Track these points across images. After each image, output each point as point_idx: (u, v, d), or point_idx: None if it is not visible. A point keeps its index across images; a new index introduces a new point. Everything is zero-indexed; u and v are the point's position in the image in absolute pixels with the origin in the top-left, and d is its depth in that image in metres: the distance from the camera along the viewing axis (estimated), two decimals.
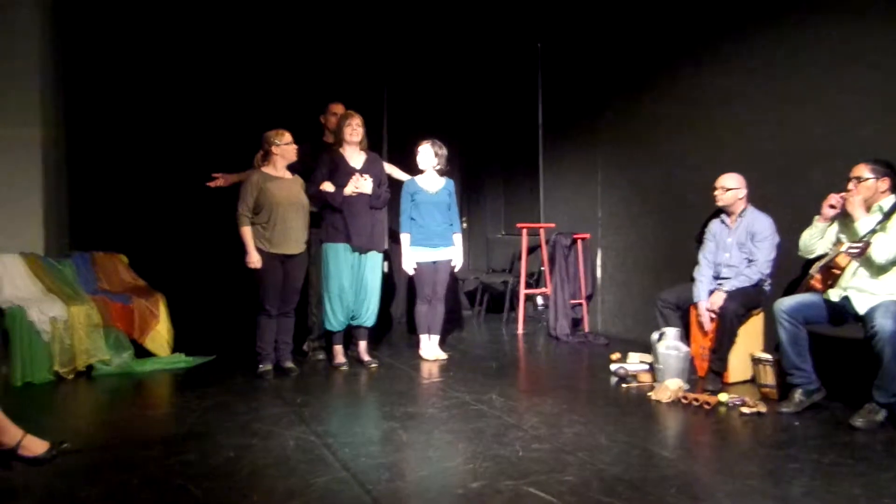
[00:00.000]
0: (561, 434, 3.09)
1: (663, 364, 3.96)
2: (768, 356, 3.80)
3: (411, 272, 4.84)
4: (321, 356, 4.87)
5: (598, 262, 6.09)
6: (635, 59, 5.63)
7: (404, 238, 4.83)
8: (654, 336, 4.07)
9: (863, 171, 3.42)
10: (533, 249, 6.55)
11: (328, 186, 4.47)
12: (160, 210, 6.17)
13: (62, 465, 2.54)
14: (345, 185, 4.49)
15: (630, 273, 5.74)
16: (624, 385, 4.08)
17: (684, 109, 5.12)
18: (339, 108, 4.94)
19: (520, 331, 6.11)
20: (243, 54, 6.41)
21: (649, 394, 3.80)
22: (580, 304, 6.06)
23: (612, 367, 4.36)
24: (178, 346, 4.95)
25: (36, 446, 2.36)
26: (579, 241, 6.07)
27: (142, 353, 4.75)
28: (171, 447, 2.94)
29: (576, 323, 6.02)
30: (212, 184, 4.69)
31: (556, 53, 6.61)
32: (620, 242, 5.84)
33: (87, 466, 2.70)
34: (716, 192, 4.22)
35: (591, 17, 6.12)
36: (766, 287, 4.13)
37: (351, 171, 4.54)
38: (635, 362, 4.41)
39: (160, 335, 4.87)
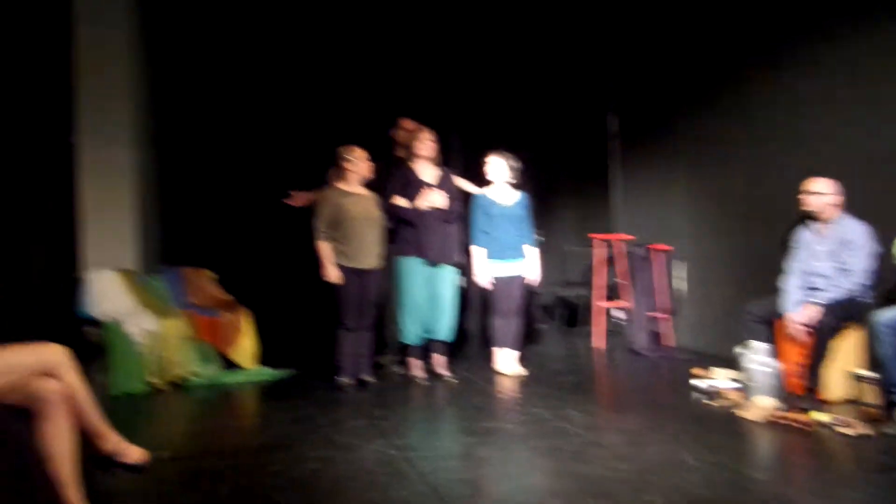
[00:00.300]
0: (644, 453, 3.00)
1: (752, 380, 3.77)
2: (870, 373, 3.57)
3: (486, 286, 4.83)
4: (398, 370, 4.91)
5: (679, 273, 5.90)
6: (715, 61, 5.45)
7: (478, 252, 4.83)
8: (741, 351, 3.89)
9: None
10: (610, 261, 6.41)
11: (400, 201, 4.53)
12: (245, 228, 6.42)
13: (158, 472, 2.65)
14: (417, 199, 4.53)
15: (713, 285, 5.52)
16: (710, 403, 3.91)
17: (771, 113, 4.90)
18: (409, 124, 5.00)
19: (598, 345, 5.98)
20: (319, 74, 6.60)
21: (737, 412, 3.63)
22: (661, 318, 5.88)
23: (696, 383, 4.20)
24: (261, 359, 5.10)
25: (134, 453, 2.47)
26: (660, 253, 5.90)
27: (228, 365, 4.92)
28: (257, 457, 3.03)
29: (656, 337, 5.84)
30: (287, 200, 4.83)
31: (629, 59, 6.49)
32: (703, 253, 5.64)
33: (180, 474, 2.81)
34: (802, 196, 4.02)
35: (666, 19, 5.98)
36: (865, 299, 3.88)
37: (423, 186, 4.58)
38: (721, 378, 4.23)
39: (245, 348, 5.04)
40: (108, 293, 4.82)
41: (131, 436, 2.51)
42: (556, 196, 7.74)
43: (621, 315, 6.40)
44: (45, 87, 5.03)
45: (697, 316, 5.71)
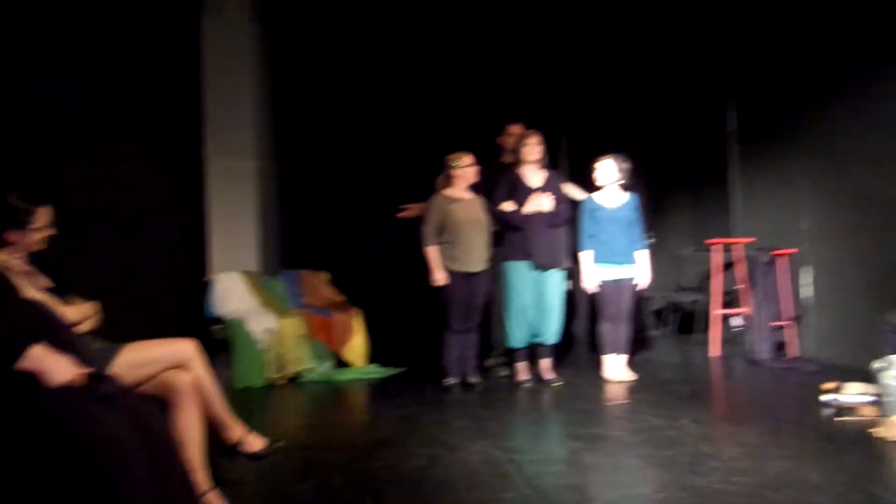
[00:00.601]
0: (765, 468, 2.82)
1: (891, 396, 3.46)
2: None
3: (593, 290, 4.73)
4: (504, 372, 4.91)
5: (806, 279, 5.51)
6: (847, 51, 5.05)
7: (586, 256, 4.74)
8: (878, 364, 3.58)
9: None
10: (728, 266, 6.09)
11: (508, 206, 4.54)
12: (357, 232, 6.69)
13: (276, 461, 2.79)
14: (524, 203, 4.52)
15: (845, 292, 5.11)
16: (840, 418, 3.62)
17: None
18: (516, 129, 4.99)
19: (714, 353, 5.69)
20: (428, 85, 6.75)
21: (873, 430, 3.34)
22: (785, 327, 5.51)
23: (825, 397, 3.89)
24: (371, 357, 5.27)
25: (256, 443, 2.63)
26: (782, 257, 5.54)
27: (340, 363, 5.12)
28: (367, 452, 3.13)
29: (779, 347, 5.48)
30: (401, 215, 4.95)
31: (748, 53, 6.14)
32: (833, 257, 5.23)
33: (296, 464, 2.96)
34: None
35: (789, 7, 5.60)
36: None
37: (530, 190, 4.56)
38: (854, 393, 3.90)
39: (357, 347, 5.22)
40: (232, 294, 5.16)
41: (252, 426, 2.67)
42: (669, 198, 7.45)
43: (740, 322, 6.06)
44: (177, 105, 5.46)
45: (827, 325, 5.30)
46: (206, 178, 5.83)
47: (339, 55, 6.69)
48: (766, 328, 5.38)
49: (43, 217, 2.38)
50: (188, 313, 5.19)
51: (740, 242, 5.90)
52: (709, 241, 5.90)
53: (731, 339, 6.17)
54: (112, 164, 4.21)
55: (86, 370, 1.98)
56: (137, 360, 2.34)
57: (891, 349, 3.72)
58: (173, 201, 5.40)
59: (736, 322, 6.15)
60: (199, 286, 5.28)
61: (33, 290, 2.27)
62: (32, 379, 1.85)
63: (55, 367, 1.87)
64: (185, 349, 2.44)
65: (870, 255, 4.87)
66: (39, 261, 2.46)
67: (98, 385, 2.00)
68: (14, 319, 1.92)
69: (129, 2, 4.58)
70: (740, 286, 5.86)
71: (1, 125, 3.01)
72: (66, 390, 1.89)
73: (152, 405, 2.23)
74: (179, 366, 2.40)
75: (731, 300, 6.19)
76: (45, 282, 2.41)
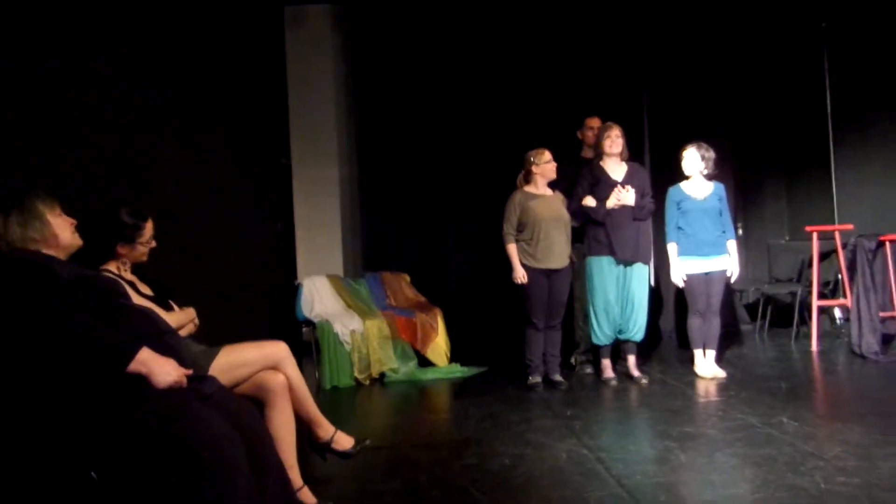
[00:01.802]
0: (874, 468, 2.65)
1: None
2: None
3: (680, 284, 4.59)
4: (589, 370, 4.84)
5: None
6: None
7: (671, 248, 4.60)
8: None
9: None
10: (825, 255, 5.75)
11: (590, 201, 4.46)
12: (437, 232, 6.76)
13: (364, 460, 2.87)
14: (607, 197, 4.44)
15: None
16: None
17: None
18: (595, 122, 4.90)
19: (814, 348, 5.38)
20: (505, 80, 6.73)
21: None
22: (892, 318, 5.15)
23: None
24: (454, 356, 5.31)
25: (345, 441, 2.70)
26: (888, 244, 5.17)
27: (423, 362, 5.19)
28: (453, 451, 3.16)
29: (887, 339, 5.12)
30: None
31: (844, 32, 5.78)
32: None
33: (383, 463, 3.03)
34: None
35: None
36: None
37: (613, 184, 4.47)
38: None
39: (439, 346, 5.28)
40: (319, 297, 5.33)
41: (340, 425, 2.75)
42: (761, 186, 7.10)
43: (842, 315, 5.71)
44: (263, 116, 5.70)
45: None
46: (292, 185, 6.06)
47: (418, 60, 6.78)
48: (872, 320, 5.04)
49: (148, 231, 2.56)
50: (279, 316, 5.40)
51: (841, 229, 5.55)
52: (809, 228, 5.57)
53: (833, 332, 5.83)
54: (204, 175, 4.43)
55: (188, 372, 2.10)
56: (234, 361, 2.45)
57: None
58: (262, 209, 5.64)
59: (839, 314, 5.80)
60: (289, 290, 5.49)
61: (138, 297, 2.43)
62: (142, 381, 1.98)
63: (161, 369, 1.99)
64: (277, 351, 2.54)
65: None
66: (141, 270, 2.63)
67: (200, 386, 2.12)
68: (125, 325, 2.06)
69: (217, 17, 4.81)
70: (842, 276, 5.52)
71: (99, 139, 3.23)
72: (172, 391, 2.01)
73: (249, 405, 2.34)
74: (273, 367, 2.50)
75: (831, 291, 5.84)
76: (147, 290, 2.58)
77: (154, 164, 3.74)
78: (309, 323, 5.10)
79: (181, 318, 2.58)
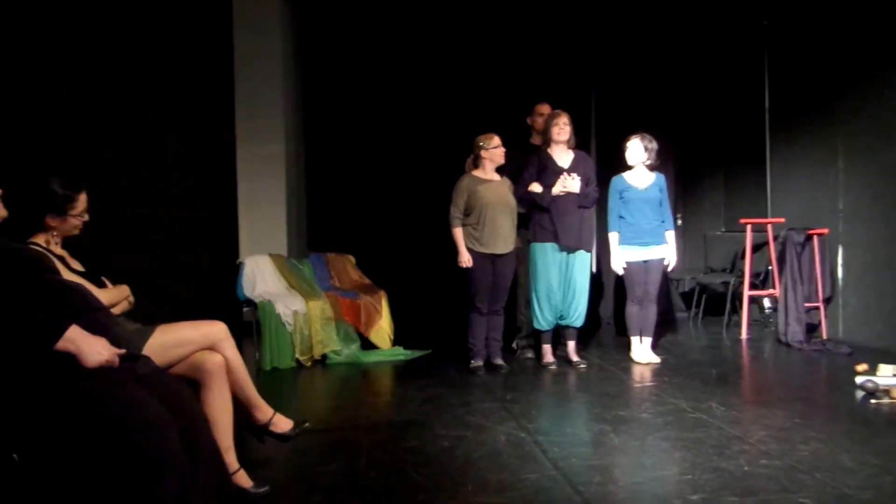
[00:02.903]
0: (794, 451, 2.79)
1: None
2: None
3: (620, 272, 4.70)
4: (530, 354, 4.92)
5: (839, 260, 5.39)
6: (883, 26, 4.89)
7: (612, 237, 4.70)
8: None
9: None
10: (758, 247, 5.99)
11: (536, 187, 4.51)
12: (383, 214, 6.72)
13: (303, 442, 2.84)
14: (553, 184, 4.49)
15: (880, 272, 4.99)
16: (873, 401, 3.56)
17: None
18: (545, 109, 4.95)
19: (743, 336, 5.61)
20: (455, 64, 6.71)
21: None
22: (817, 308, 5.41)
23: (859, 379, 3.83)
24: (397, 339, 5.31)
25: (283, 424, 2.67)
26: (815, 237, 5.42)
27: (366, 345, 5.17)
28: (393, 433, 3.17)
29: (811, 329, 5.38)
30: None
31: (784, 30, 5.98)
32: (868, 237, 5.11)
33: (322, 445, 3.01)
34: None
35: None
36: None
37: (559, 171, 4.53)
38: (888, 375, 3.83)
39: (383, 329, 5.26)
40: (262, 276, 5.23)
41: (280, 408, 2.72)
42: (700, 178, 7.33)
43: (771, 304, 5.97)
44: (208, 90, 5.52)
45: (861, 306, 5.20)
46: (236, 161, 5.90)
47: (369, 38, 6.68)
48: (798, 310, 5.29)
49: (81, 204, 2.44)
50: (219, 296, 5.28)
51: (773, 223, 5.79)
52: (744, 220, 5.78)
53: (762, 321, 6.09)
54: (144, 149, 4.28)
55: (120, 351, 2.03)
56: (170, 341, 2.38)
57: None
58: (204, 184, 5.48)
59: (768, 304, 6.06)
60: (230, 269, 5.37)
61: (68, 272, 2.33)
62: (71, 360, 1.90)
63: (91, 348, 1.92)
64: (215, 331, 2.48)
65: None
66: (73, 244, 2.52)
67: (133, 366, 2.05)
68: (53, 301, 1.97)
69: None
70: (772, 267, 5.77)
71: (40, 111, 3.07)
72: (103, 371, 1.94)
73: (185, 386, 2.28)
74: (210, 347, 2.44)
75: (761, 282, 6.10)
76: (78, 265, 2.47)
77: (90, 133, 3.58)
78: (250, 303, 5.00)
79: (114, 296, 2.49)
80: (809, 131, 5.71)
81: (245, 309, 5.14)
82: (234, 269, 5.24)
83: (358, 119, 6.73)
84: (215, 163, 5.71)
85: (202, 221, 5.38)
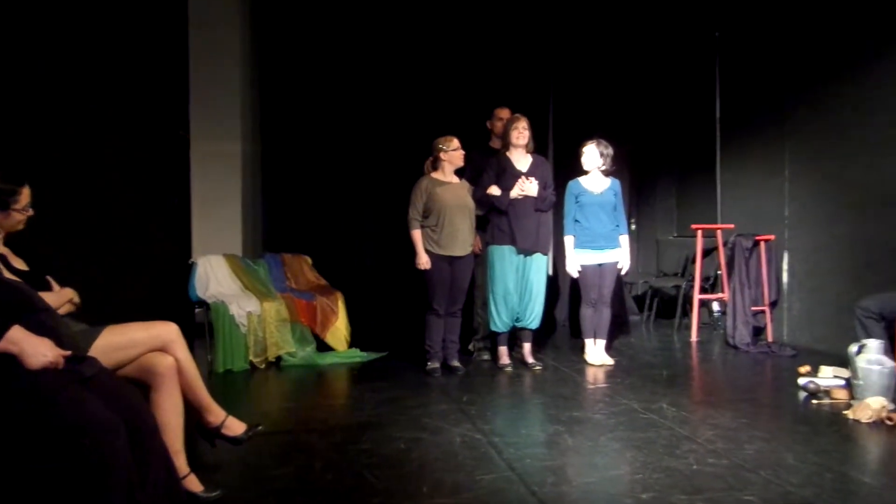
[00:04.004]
0: (741, 450, 2.88)
1: (863, 380, 3.53)
2: None
3: (575, 275, 4.77)
4: (486, 356, 4.94)
5: (785, 265, 5.59)
6: (829, 41, 5.09)
7: (568, 240, 4.77)
8: (853, 348, 3.65)
9: None
10: (708, 252, 6.16)
11: (494, 190, 4.54)
12: (340, 215, 6.66)
13: (256, 445, 2.81)
14: (511, 187, 4.53)
15: (822, 278, 5.19)
16: (815, 401, 3.70)
17: (892, 94, 4.53)
18: (505, 113, 4.99)
19: (693, 338, 5.76)
20: (414, 66, 6.71)
21: (846, 412, 3.42)
22: (763, 312, 5.59)
23: (801, 380, 3.98)
24: (354, 341, 5.27)
25: (236, 427, 2.62)
26: (762, 243, 5.60)
27: (322, 347, 5.12)
28: (348, 435, 3.14)
29: (758, 331, 5.56)
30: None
31: (735, 42, 6.17)
32: (811, 244, 5.31)
33: (277, 448, 2.97)
34: None
35: (767, 4, 5.64)
36: None
37: (517, 175, 4.57)
38: (829, 376, 3.98)
39: (339, 331, 5.22)
40: (215, 276, 5.13)
41: (233, 410, 2.67)
42: (654, 184, 7.50)
43: (720, 308, 6.14)
44: (161, 86, 5.38)
45: (804, 310, 5.40)
46: (190, 159, 5.77)
47: (326, 37, 6.62)
48: (745, 313, 5.45)
49: (24, 198, 2.34)
50: (170, 296, 5.15)
51: (722, 228, 5.96)
52: (695, 226, 5.94)
53: (711, 324, 6.26)
54: (94, 145, 4.14)
55: (65, 353, 1.97)
56: (117, 342, 2.32)
57: (864, 334, 3.80)
58: (156, 182, 5.34)
59: (717, 307, 6.23)
60: (182, 269, 5.24)
61: (8, 272, 2.25)
62: (13, 361, 1.84)
63: (34, 349, 1.86)
64: (166, 332, 2.43)
65: (846, 241, 4.96)
66: (16, 242, 2.43)
67: (79, 367, 1.99)
68: None
69: None
70: (721, 272, 5.93)
71: None
72: (46, 373, 1.88)
73: (133, 388, 2.23)
74: (160, 349, 2.39)
75: (712, 286, 6.27)
76: (21, 264, 2.38)
77: (35, 125, 3.45)
78: (203, 304, 4.90)
79: (58, 299, 2.40)
80: (758, 141, 5.90)
81: (197, 310, 5.03)
82: (187, 269, 5.13)
83: (316, 119, 6.66)
84: (168, 160, 5.58)
85: (154, 220, 5.23)
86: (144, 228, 5.01)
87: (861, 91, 4.81)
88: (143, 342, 2.37)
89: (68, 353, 1.98)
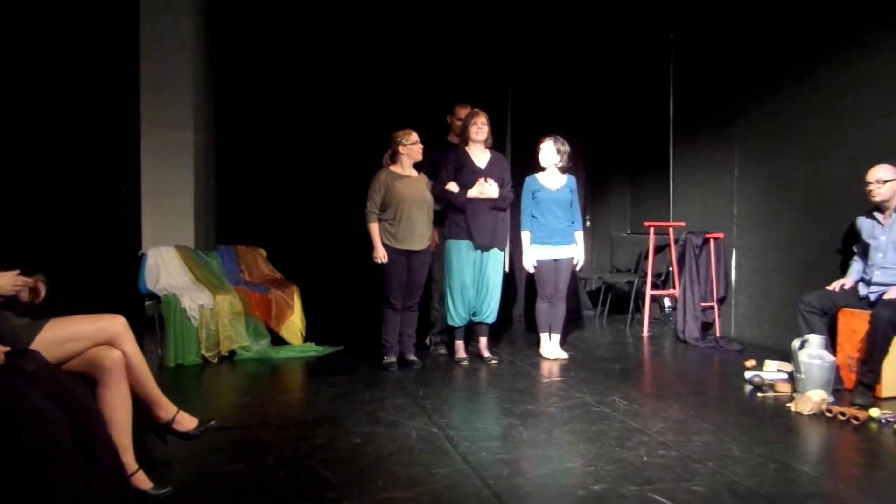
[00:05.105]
0: (689, 442, 2.96)
1: (805, 373, 3.67)
2: None
3: (531, 270, 4.82)
4: (443, 350, 4.96)
5: (733, 262, 5.75)
6: (778, 47, 5.26)
7: (524, 236, 4.81)
8: (796, 343, 3.79)
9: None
10: (660, 249, 6.30)
11: (453, 187, 4.55)
12: (296, 207, 6.57)
13: (208, 441, 2.75)
14: (470, 183, 4.54)
15: (768, 275, 5.37)
16: (759, 394, 3.83)
17: (836, 99, 4.71)
18: (465, 112, 4.98)
19: (645, 333, 5.90)
20: (374, 58, 6.66)
21: (788, 405, 3.55)
22: (711, 308, 5.75)
23: (747, 374, 4.11)
24: (309, 335, 5.22)
25: (187, 422, 2.56)
26: (712, 241, 5.76)
27: (277, 341, 5.05)
28: (303, 430, 3.11)
29: (706, 327, 5.72)
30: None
31: (689, 44, 6.31)
32: (758, 242, 5.48)
33: (229, 443, 2.92)
34: (870, 188, 3.86)
35: (728, 3, 5.78)
36: None
37: (476, 171, 4.58)
38: (773, 370, 4.12)
39: (294, 325, 5.16)
40: (166, 268, 5.00)
41: (184, 405, 2.61)
42: (608, 182, 7.63)
43: (671, 303, 6.29)
44: (111, 71, 5.21)
45: (751, 306, 5.57)
46: (140, 147, 5.61)
47: (283, 23, 6.51)
48: (695, 309, 5.60)
49: None
50: (118, 288, 5.01)
51: (674, 226, 6.10)
52: (647, 223, 6.07)
53: (663, 319, 6.40)
54: (38, 131, 3.98)
55: (4, 348, 1.90)
56: (62, 336, 2.24)
57: (807, 328, 3.94)
58: (105, 172, 5.18)
59: (668, 303, 6.38)
60: (132, 260, 5.10)
61: None
62: None
63: None
64: (113, 325, 2.35)
65: (791, 240, 5.13)
66: None
67: (19, 362, 1.92)
68: None
69: None
70: (672, 268, 6.08)
71: None
72: None
73: (79, 383, 2.15)
74: (107, 342, 2.32)
75: (663, 282, 6.41)
76: None
77: None
78: (153, 296, 4.78)
79: (8, 281, 2.29)
80: (709, 142, 6.05)
81: (147, 303, 4.91)
82: (136, 261, 4.99)
83: (272, 109, 6.55)
84: (117, 148, 5.41)
85: (102, 210, 5.08)
86: (91, 218, 4.85)
87: (806, 95, 4.98)
88: (89, 336, 2.29)
89: (7, 348, 1.91)
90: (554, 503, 2.34)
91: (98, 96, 4.96)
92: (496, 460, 2.73)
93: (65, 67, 4.35)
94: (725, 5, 5.82)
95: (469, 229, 4.55)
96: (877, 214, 3.93)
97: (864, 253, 3.98)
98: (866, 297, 3.91)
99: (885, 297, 3.70)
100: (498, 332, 5.62)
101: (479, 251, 4.60)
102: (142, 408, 2.46)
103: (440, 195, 4.57)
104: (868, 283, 3.92)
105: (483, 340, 4.77)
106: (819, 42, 4.86)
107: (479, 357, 4.72)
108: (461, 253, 4.58)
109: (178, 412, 2.55)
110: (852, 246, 4.15)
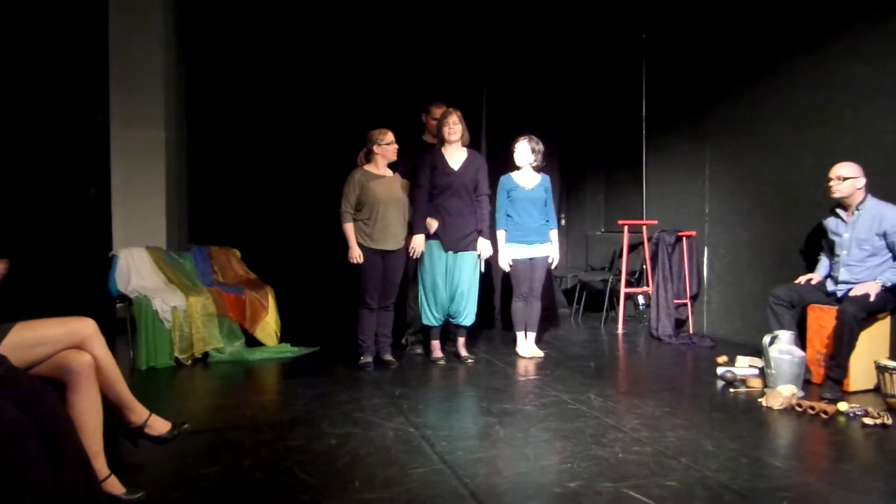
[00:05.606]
0: (663, 438, 2.99)
1: (775, 369, 3.74)
2: (895, 364, 3.51)
3: (507, 269, 4.83)
4: (419, 350, 4.95)
5: (705, 260, 5.84)
6: (748, 47, 5.34)
7: (500, 235, 4.83)
8: (766, 339, 3.85)
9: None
10: (634, 247, 6.37)
11: (432, 225, 4.53)
12: (270, 207, 6.50)
13: (182, 444, 2.72)
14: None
15: (739, 272, 5.46)
16: (731, 390, 3.89)
17: (804, 99, 4.80)
18: (440, 110, 4.98)
19: (619, 330, 5.96)
20: (348, 57, 6.62)
21: (759, 400, 3.61)
22: (684, 305, 5.83)
23: (719, 370, 4.17)
24: (284, 336, 5.18)
25: (160, 426, 2.53)
26: (684, 239, 5.84)
27: (252, 342, 5.00)
28: (278, 432, 3.09)
29: (679, 324, 5.80)
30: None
31: (661, 44, 6.38)
32: (729, 240, 5.57)
33: (203, 446, 2.89)
34: (831, 184, 3.94)
35: (699, 4, 5.86)
36: None
37: (449, 172, 4.57)
38: (744, 366, 4.19)
39: (269, 326, 5.11)
40: (137, 269, 4.92)
41: (157, 409, 2.58)
42: (582, 181, 7.68)
43: (644, 301, 6.36)
44: (79, 68, 5.11)
45: (723, 303, 5.66)
46: (110, 146, 5.51)
47: (256, 20, 6.44)
48: (668, 306, 5.67)
49: None
50: (88, 290, 4.92)
51: (647, 224, 6.17)
52: (621, 221, 6.13)
53: (637, 316, 6.47)
54: (7, 132, 3.89)
55: None
56: (29, 339, 2.20)
57: (776, 320, 4.00)
58: (74, 171, 5.08)
59: (642, 301, 6.45)
60: (102, 262, 5.01)
61: None
62: None
63: None
64: (82, 328, 2.31)
65: (762, 238, 5.22)
66: None
67: None
68: None
69: None
70: (646, 266, 6.14)
71: None
72: None
73: (47, 388, 2.11)
74: (76, 346, 2.28)
75: (637, 280, 6.48)
76: None
77: None
78: (124, 298, 4.70)
79: None
80: (681, 141, 6.13)
81: (118, 305, 4.82)
82: (107, 263, 4.91)
83: (245, 107, 6.47)
84: (86, 147, 5.31)
85: (71, 211, 4.98)
86: (59, 219, 4.76)
87: (776, 95, 5.07)
88: (58, 339, 2.25)
89: None
90: (531, 501, 2.35)
91: (66, 94, 4.86)
92: (473, 459, 2.74)
93: (32, 65, 4.26)
94: (696, 6, 5.90)
95: (442, 232, 4.54)
96: (840, 212, 4.01)
97: (831, 250, 4.06)
98: (833, 294, 4.00)
99: (851, 293, 3.78)
100: (475, 330, 5.63)
101: (451, 252, 4.60)
102: (113, 412, 2.43)
103: (418, 210, 4.53)
104: (836, 281, 4.00)
105: (460, 340, 4.77)
106: (788, 43, 4.96)
107: (456, 356, 4.73)
108: (433, 254, 4.58)
109: (150, 416, 2.51)
110: (821, 241, 4.24)
